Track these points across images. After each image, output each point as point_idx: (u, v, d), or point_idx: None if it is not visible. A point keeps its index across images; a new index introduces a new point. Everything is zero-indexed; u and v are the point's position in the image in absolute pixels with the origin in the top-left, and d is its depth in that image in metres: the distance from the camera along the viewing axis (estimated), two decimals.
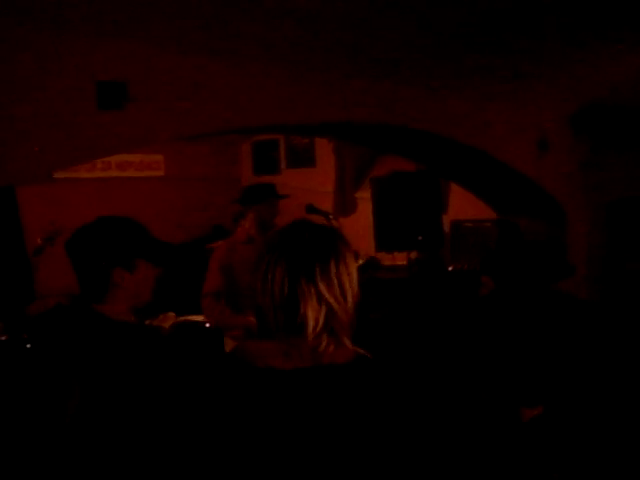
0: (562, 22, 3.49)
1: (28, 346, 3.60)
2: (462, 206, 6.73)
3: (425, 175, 6.27)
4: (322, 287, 1.42)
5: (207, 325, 4.87)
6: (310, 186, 7.62)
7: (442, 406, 1.42)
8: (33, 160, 3.08)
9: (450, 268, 6.04)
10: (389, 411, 1.38)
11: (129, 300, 1.98)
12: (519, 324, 2.83)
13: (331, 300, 1.42)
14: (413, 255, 6.09)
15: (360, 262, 6.08)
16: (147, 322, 4.72)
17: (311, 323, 1.40)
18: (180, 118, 3.61)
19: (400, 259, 6.38)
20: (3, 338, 3.85)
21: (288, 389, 1.39)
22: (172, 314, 5.01)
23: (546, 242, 6.20)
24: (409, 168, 6.53)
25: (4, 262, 6.05)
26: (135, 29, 3.21)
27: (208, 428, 1.44)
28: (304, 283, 1.42)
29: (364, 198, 7.20)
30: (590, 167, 6.26)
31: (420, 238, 5.77)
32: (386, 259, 6.67)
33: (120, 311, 1.95)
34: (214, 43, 3.52)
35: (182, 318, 5.01)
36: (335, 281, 1.43)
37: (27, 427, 1.88)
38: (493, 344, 2.85)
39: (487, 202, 6.54)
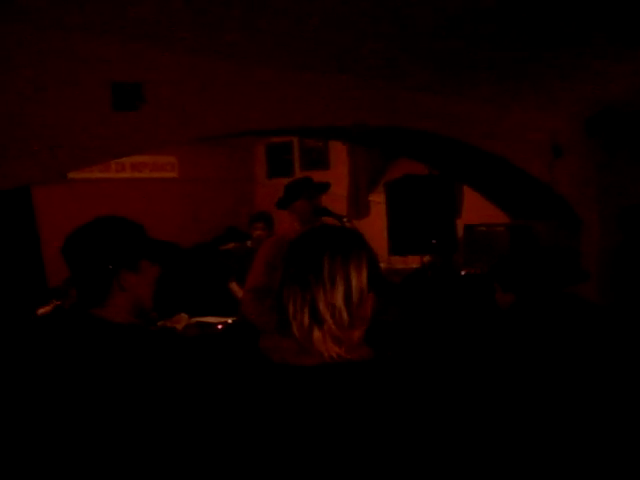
0: (578, 26, 3.48)
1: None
2: (475, 210, 6.72)
3: (439, 179, 6.26)
4: (312, 284, 1.44)
5: (219, 327, 4.89)
6: None
7: (456, 405, 1.42)
8: (47, 161, 3.10)
9: (463, 272, 6.03)
10: (399, 411, 1.37)
11: (130, 303, 1.89)
12: (539, 328, 2.82)
13: (319, 300, 1.43)
14: (426, 259, 6.09)
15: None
16: (160, 323, 4.76)
17: (294, 322, 1.43)
18: (194, 120, 3.62)
19: (413, 262, 6.37)
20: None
21: (298, 385, 1.40)
22: (185, 315, 5.04)
23: (560, 247, 6.18)
24: (422, 172, 6.53)
25: (18, 262, 6.10)
26: (150, 31, 3.22)
27: (221, 424, 1.45)
28: (291, 283, 1.46)
29: (378, 201, 7.20)
30: (605, 171, 6.24)
31: (434, 242, 5.75)
32: (400, 262, 6.67)
33: (123, 314, 1.87)
34: (228, 45, 3.53)
35: (195, 319, 5.04)
36: (327, 280, 1.44)
37: (24, 430, 1.83)
38: (512, 348, 2.84)
39: (500, 206, 6.52)
